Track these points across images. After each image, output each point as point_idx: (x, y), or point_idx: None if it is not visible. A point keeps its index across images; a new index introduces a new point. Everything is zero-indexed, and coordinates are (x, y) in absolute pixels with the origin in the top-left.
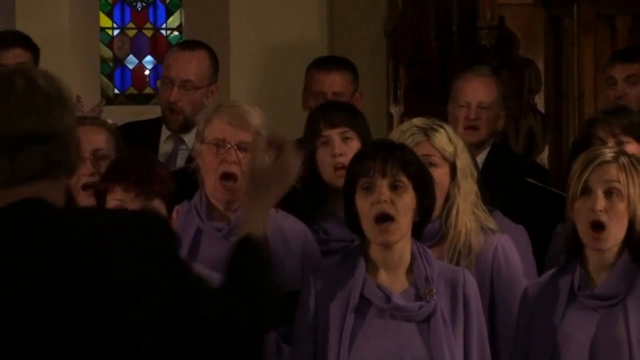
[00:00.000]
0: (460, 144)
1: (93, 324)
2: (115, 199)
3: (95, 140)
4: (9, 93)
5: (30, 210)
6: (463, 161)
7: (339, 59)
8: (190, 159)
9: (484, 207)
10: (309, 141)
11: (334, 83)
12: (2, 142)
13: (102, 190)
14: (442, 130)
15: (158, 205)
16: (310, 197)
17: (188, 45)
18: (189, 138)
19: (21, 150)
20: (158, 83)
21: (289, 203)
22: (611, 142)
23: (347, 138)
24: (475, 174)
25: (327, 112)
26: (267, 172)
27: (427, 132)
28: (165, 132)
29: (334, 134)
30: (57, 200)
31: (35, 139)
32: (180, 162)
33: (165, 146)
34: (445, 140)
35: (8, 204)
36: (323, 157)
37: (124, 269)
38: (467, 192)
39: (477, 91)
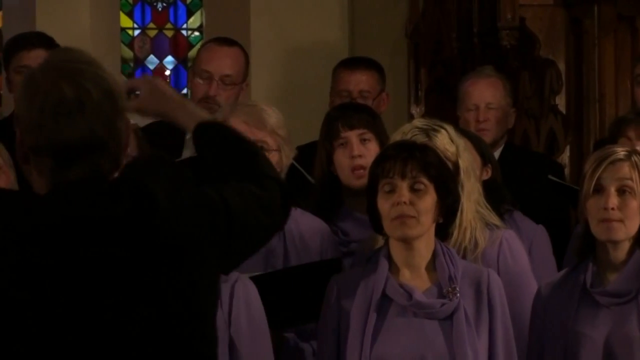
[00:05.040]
0: (461, 144)
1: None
2: None
3: None
4: (57, 103)
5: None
6: (465, 160)
7: (365, 59)
8: None
9: (487, 204)
10: (327, 142)
11: (359, 82)
12: (49, 153)
13: None
14: (443, 130)
15: None
16: (327, 198)
17: (225, 41)
18: None
19: (68, 162)
20: (190, 76)
21: (308, 202)
22: (639, 144)
23: (365, 140)
24: (478, 172)
25: (345, 114)
26: (149, 96)
27: (428, 133)
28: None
29: (353, 136)
30: None
31: (83, 150)
32: None
33: (189, 143)
34: (447, 141)
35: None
36: (341, 159)
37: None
38: (471, 191)
39: (483, 92)
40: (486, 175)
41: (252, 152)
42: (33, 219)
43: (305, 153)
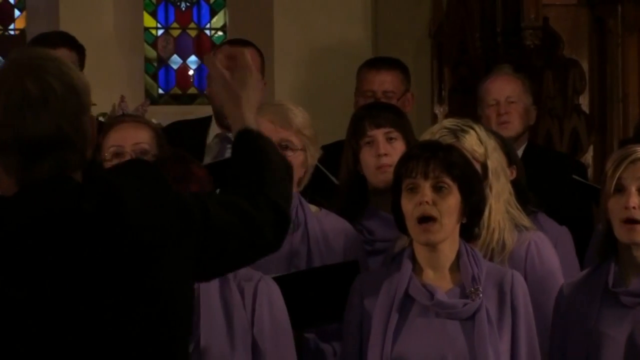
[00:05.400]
0: (491, 144)
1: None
2: None
3: (136, 136)
4: (22, 98)
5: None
6: (494, 161)
7: (390, 59)
8: None
9: (518, 205)
10: (353, 141)
11: (384, 82)
12: (15, 149)
13: None
14: (472, 131)
15: None
16: (353, 197)
17: (238, 42)
18: None
19: (35, 157)
20: (209, 81)
21: (333, 202)
22: None
23: (391, 138)
24: (508, 172)
25: (372, 113)
26: (233, 78)
27: (456, 134)
28: (212, 132)
29: (379, 134)
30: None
31: (49, 145)
32: None
33: (212, 145)
34: (475, 141)
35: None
36: (367, 157)
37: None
38: (500, 192)
39: (502, 87)
40: (511, 176)
41: (267, 171)
42: (4, 221)
43: (331, 152)
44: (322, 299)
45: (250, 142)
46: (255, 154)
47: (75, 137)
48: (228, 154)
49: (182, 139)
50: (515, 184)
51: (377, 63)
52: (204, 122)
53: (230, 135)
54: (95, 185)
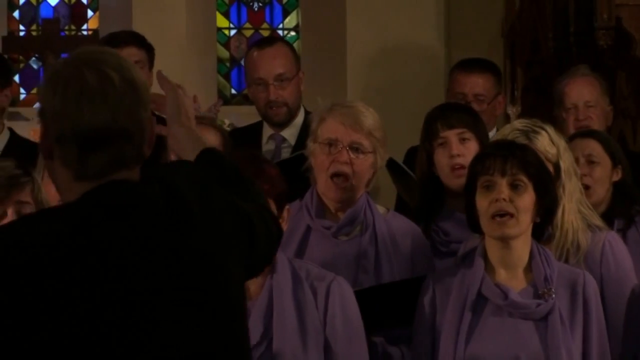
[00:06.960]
0: (562, 144)
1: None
2: None
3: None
4: (80, 89)
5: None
6: (566, 161)
7: (483, 61)
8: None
9: (588, 204)
10: (427, 142)
11: (475, 85)
12: (73, 140)
13: None
14: (543, 132)
15: None
16: (428, 198)
17: (266, 42)
18: (289, 134)
19: (92, 148)
20: (248, 87)
21: (407, 204)
22: None
23: (464, 139)
24: (579, 171)
25: (444, 114)
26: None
27: (528, 135)
28: (266, 133)
29: (452, 135)
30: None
31: (106, 137)
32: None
33: (267, 147)
34: (548, 142)
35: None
36: (441, 158)
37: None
38: (572, 191)
39: (581, 91)
40: (616, 177)
41: (249, 181)
42: (66, 227)
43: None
44: (392, 311)
45: (217, 157)
46: (237, 172)
47: (132, 130)
48: (284, 152)
49: (239, 147)
50: (621, 184)
51: (469, 65)
52: (256, 127)
53: (283, 134)
54: (156, 185)
